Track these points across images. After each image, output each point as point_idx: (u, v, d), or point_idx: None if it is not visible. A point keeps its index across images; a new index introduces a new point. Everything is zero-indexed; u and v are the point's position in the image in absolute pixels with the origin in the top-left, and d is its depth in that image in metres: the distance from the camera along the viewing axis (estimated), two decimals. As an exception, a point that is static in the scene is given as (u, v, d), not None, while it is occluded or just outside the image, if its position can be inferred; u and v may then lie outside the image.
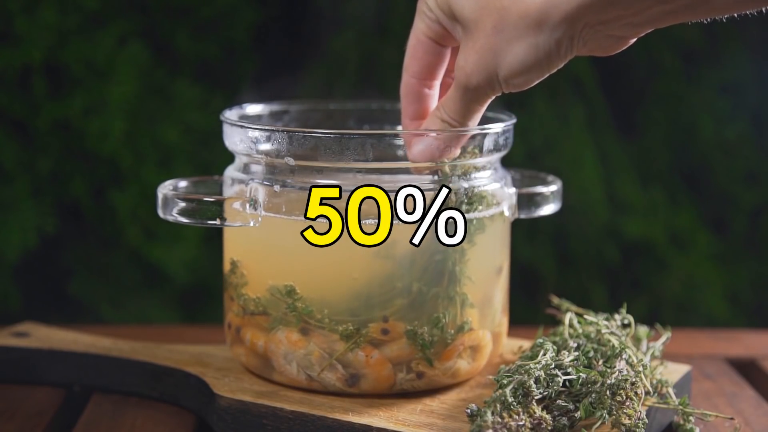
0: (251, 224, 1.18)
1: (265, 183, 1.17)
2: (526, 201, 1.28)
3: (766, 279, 2.00)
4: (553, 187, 1.30)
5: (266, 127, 1.18)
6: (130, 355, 1.32)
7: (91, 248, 1.86)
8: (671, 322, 1.49)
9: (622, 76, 1.96)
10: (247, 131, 1.18)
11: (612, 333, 1.19)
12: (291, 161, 1.15)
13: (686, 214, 1.97)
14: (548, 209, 1.30)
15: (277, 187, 1.16)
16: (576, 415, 1.08)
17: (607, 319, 1.26)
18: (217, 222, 1.19)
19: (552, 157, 1.92)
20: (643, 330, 1.29)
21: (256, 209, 1.17)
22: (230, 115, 1.27)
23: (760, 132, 1.97)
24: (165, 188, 1.22)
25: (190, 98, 1.83)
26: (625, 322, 1.28)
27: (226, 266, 1.24)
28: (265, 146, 1.17)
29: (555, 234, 1.95)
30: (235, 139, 1.20)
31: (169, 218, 1.20)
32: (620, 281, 1.99)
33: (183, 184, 1.26)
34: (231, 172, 1.24)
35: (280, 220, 1.16)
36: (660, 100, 1.97)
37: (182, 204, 1.19)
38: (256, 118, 1.33)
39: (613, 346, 1.15)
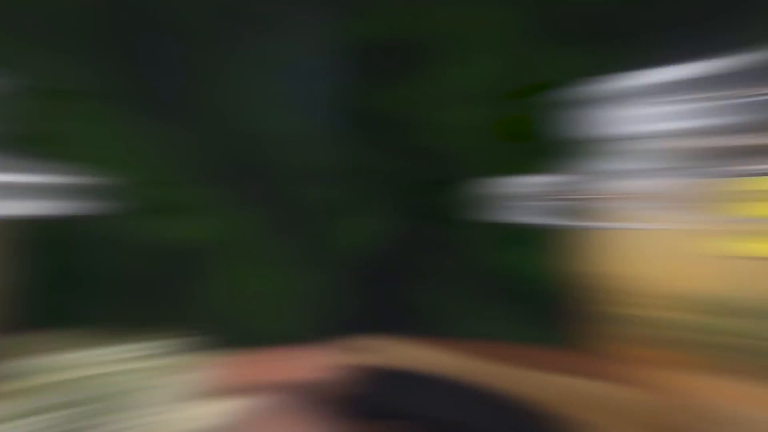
0: None
1: None
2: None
3: (328, 288, 2.04)
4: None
5: None
6: None
7: None
8: (221, 345, 1.47)
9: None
10: None
11: (123, 371, 1.16)
12: None
13: (234, 214, 2.00)
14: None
15: None
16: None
17: (119, 350, 1.23)
18: None
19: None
20: (176, 359, 1.27)
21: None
22: None
23: (328, 117, 2.01)
24: None
25: None
26: (150, 351, 1.25)
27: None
28: None
29: (44, 243, 1.92)
30: None
31: None
32: (140, 296, 1.97)
33: None
34: None
35: None
36: (193, 78, 1.98)
37: None
38: None
39: (123, 390, 1.11)
